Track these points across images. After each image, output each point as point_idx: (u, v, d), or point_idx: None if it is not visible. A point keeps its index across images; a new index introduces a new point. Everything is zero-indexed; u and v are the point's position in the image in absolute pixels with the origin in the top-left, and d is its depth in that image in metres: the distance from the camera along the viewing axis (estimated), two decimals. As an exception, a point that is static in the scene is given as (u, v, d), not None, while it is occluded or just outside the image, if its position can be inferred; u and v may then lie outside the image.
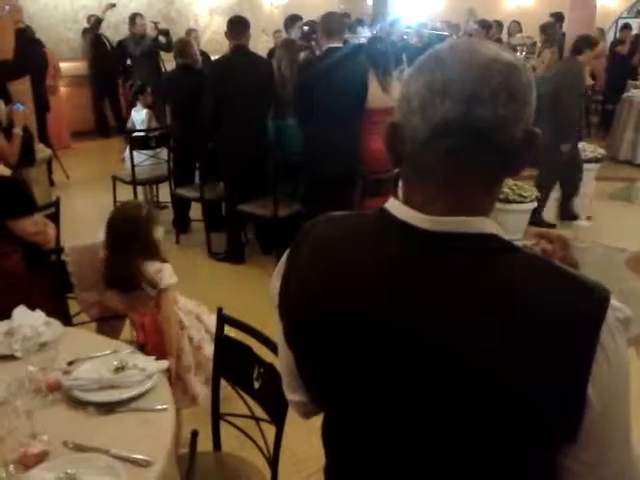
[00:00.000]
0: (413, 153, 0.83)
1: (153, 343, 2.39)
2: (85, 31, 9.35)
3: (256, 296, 3.16)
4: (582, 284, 0.77)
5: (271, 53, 5.78)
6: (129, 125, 5.95)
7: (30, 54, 5.32)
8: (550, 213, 5.58)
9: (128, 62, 8.89)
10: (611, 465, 0.80)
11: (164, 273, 2.35)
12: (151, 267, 2.34)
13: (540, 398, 0.73)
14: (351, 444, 0.92)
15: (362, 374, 0.84)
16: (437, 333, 0.77)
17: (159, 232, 2.44)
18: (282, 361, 1.03)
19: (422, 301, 0.79)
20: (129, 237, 2.35)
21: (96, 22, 9.01)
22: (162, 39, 8.77)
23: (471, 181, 0.81)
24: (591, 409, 0.74)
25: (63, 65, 8.61)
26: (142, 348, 2.26)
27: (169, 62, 8.10)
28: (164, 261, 2.42)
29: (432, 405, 0.79)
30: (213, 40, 10.39)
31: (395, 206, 0.85)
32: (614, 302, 0.76)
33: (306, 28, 6.69)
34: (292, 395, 1.05)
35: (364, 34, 7.22)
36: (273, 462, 1.78)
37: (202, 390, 2.42)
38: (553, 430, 0.75)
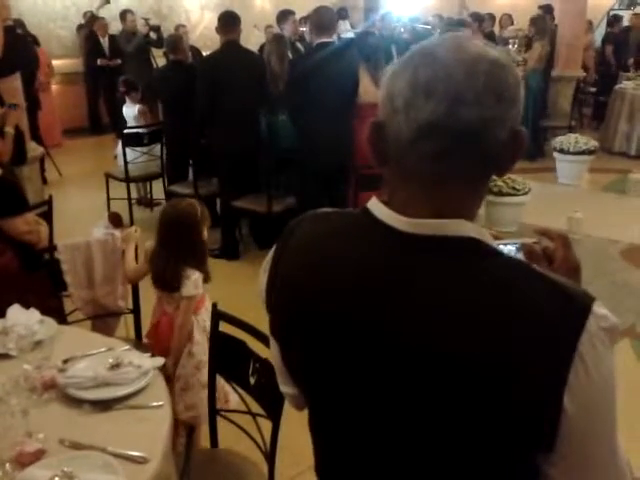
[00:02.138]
0: (396, 154, 0.81)
1: (161, 344, 2.38)
2: (80, 27, 9.30)
3: (251, 292, 3.12)
4: (563, 291, 0.75)
5: (263, 48, 5.76)
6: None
7: (19, 51, 5.28)
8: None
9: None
10: (593, 474, 0.79)
11: (190, 282, 2.28)
12: (184, 272, 2.29)
13: (515, 403, 0.72)
14: (336, 439, 0.92)
15: (344, 372, 0.84)
16: (414, 335, 0.77)
17: (206, 233, 2.38)
18: (273, 354, 1.03)
19: (401, 303, 0.78)
20: (179, 237, 2.30)
21: (91, 19, 8.96)
22: (153, 35, 8.73)
23: (455, 183, 0.80)
24: (567, 418, 0.72)
25: (55, 62, 8.57)
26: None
27: (159, 58, 8.09)
28: (204, 270, 2.35)
29: (412, 405, 0.79)
30: (204, 36, 10.36)
31: (377, 206, 0.85)
32: (598, 310, 0.74)
33: (303, 29, 6.67)
34: (284, 387, 1.05)
35: (346, 27, 7.17)
36: (270, 456, 1.78)
37: (182, 412, 2.30)
38: (528, 437, 0.74)
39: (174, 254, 2.30)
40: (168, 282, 2.32)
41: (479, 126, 0.76)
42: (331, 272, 0.86)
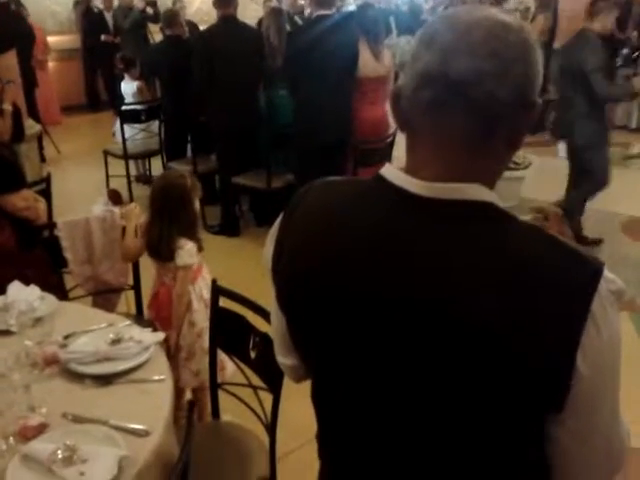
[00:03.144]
0: (405, 109, 0.83)
1: (161, 314, 2.42)
2: (77, 4, 9.17)
3: (251, 268, 3.14)
4: (576, 255, 0.77)
5: (261, 22, 5.69)
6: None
7: (14, 28, 5.22)
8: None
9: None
10: (597, 435, 0.81)
11: (183, 251, 2.33)
12: (178, 242, 2.33)
13: (530, 364, 0.73)
14: (339, 409, 0.93)
15: (352, 339, 0.84)
16: (430, 300, 0.77)
17: (197, 204, 2.43)
18: (274, 324, 1.04)
19: (415, 268, 0.78)
20: (170, 207, 2.34)
21: None
22: (150, 10, 8.62)
23: (455, 142, 0.80)
24: (579, 378, 0.74)
25: (50, 39, 8.48)
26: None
27: (156, 34, 8.00)
28: (197, 239, 2.40)
29: (423, 370, 0.79)
30: (201, 10, 10.22)
31: (391, 172, 0.85)
32: (607, 274, 0.76)
33: (302, 1, 6.59)
34: (284, 359, 1.05)
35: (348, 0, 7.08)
36: (271, 428, 1.80)
37: (190, 380, 2.39)
38: (541, 397, 0.76)
39: (166, 224, 2.34)
40: (161, 252, 2.36)
41: (471, 78, 0.77)
42: (343, 238, 0.85)
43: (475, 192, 0.79)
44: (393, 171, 0.84)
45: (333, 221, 0.88)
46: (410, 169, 0.83)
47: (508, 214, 0.80)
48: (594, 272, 0.75)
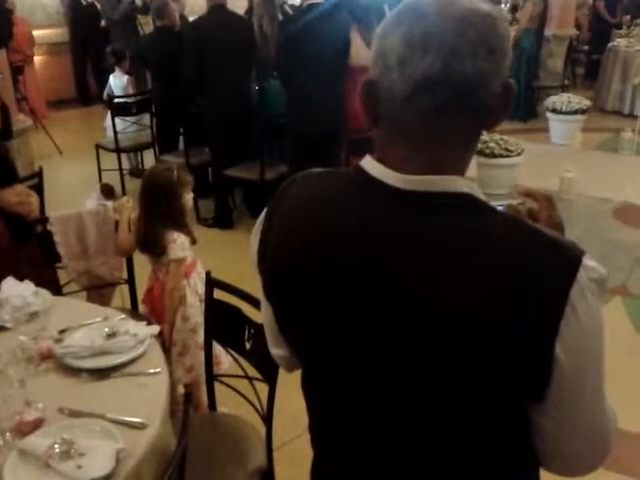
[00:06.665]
0: (391, 111, 0.81)
1: (156, 309, 2.43)
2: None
3: (246, 260, 3.11)
4: (555, 243, 0.76)
5: (250, 11, 5.65)
6: (107, 91, 5.83)
7: (4, 25, 5.17)
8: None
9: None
10: (581, 423, 0.81)
11: (175, 245, 2.32)
12: (170, 236, 2.33)
13: (509, 354, 0.74)
14: (327, 398, 0.94)
15: (338, 331, 0.85)
16: (412, 290, 0.77)
17: (189, 197, 2.42)
18: (264, 316, 1.04)
19: (399, 260, 0.79)
20: (156, 201, 2.33)
21: None
22: (139, 2, 8.56)
23: (451, 138, 0.81)
24: (559, 367, 0.74)
25: (39, 32, 8.40)
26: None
27: (146, 25, 7.94)
28: (187, 232, 2.40)
29: (406, 358, 0.80)
30: (192, 2, 10.15)
31: (371, 164, 0.85)
32: (588, 262, 0.75)
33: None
34: (275, 349, 1.06)
35: None
36: (267, 419, 1.81)
37: (182, 376, 2.39)
38: (521, 387, 0.76)
39: (153, 218, 2.34)
40: (150, 246, 2.36)
41: (475, 79, 0.77)
42: (325, 232, 0.86)
43: (454, 184, 0.80)
44: (372, 164, 0.84)
45: (314, 215, 0.88)
46: (390, 162, 0.82)
47: (486, 204, 0.81)
48: (572, 260, 0.75)
